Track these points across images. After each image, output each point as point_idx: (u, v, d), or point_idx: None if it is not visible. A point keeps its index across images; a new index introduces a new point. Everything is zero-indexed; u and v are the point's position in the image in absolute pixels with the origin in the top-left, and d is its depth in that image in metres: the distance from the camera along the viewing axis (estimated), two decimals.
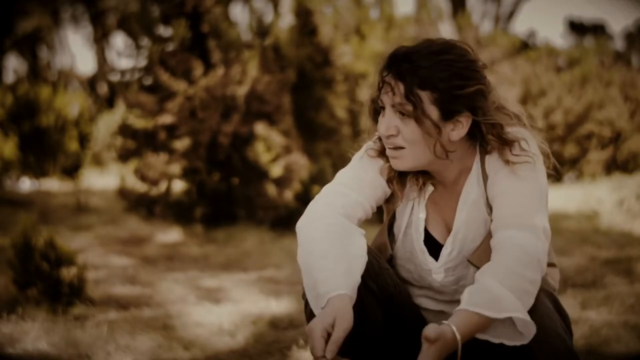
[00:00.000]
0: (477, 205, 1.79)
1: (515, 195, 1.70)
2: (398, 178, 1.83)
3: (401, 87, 1.68)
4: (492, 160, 1.76)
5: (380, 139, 1.82)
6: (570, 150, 9.93)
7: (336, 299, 1.60)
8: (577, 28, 25.67)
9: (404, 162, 1.75)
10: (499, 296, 1.57)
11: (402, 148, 1.73)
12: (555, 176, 1.85)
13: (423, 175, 1.82)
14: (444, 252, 1.83)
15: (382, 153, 1.82)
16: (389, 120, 1.72)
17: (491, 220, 1.75)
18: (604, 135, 10.02)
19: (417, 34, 10.24)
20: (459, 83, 1.67)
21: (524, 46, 13.18)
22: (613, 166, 9.96)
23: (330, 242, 1.69)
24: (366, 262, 1.72)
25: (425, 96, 1.67)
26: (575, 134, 10.03)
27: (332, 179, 1.88)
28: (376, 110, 1.80)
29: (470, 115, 1.70)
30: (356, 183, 1.82)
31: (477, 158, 1.80)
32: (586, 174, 9.81)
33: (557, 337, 1.64)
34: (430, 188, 1.84)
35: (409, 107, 1.68)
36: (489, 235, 1.77)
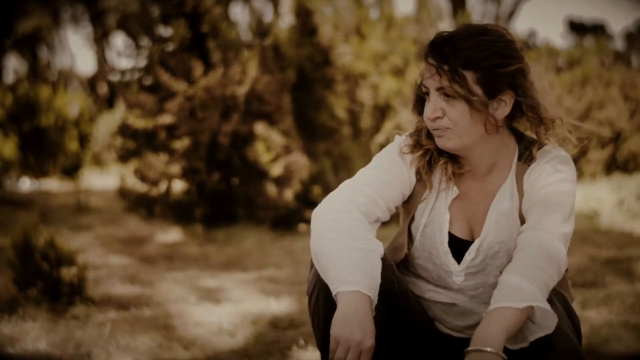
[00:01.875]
0: (509, 217, 1.81)
1: (548, 205, 1.74)
2: (427, 167, 1.85)
3: (446, 69, 1.72)
4: (530, 176, 1.80)
5: (411, 135, 1.87)
6: (570, 150, 9.92)
7: (351, 296, 1.61)
8: (577, 28, 25.69)
9: (450, 140, 1.77)
10: (518, 286, 1.60)
11: (447, 129, 1.76)
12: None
13: (453, 164, 1.84)
14: (467, 258, 1.84)
15: (415, 147, 1.85)
16: (434, 103, 1.76)
17: None
18: (604, 135, 10.02)
19: (417, 34, 10.24)
20: (500, 61, 1.72)
21: (524, 46, 13.15)
22: (613, 166, 9.96)
23: (350, 240, 1.70)
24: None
25: (469, 76, 1.71)
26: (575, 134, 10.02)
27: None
28: (420, 100, 1.83)
29: (512, 94, 1.74)
30: (376, 183, 1.83)
31: (514, 168, 1.82)
32: (586, 174, 9.81)
33: (563, 335, 1.65)
34: (455, 191, 1.84)
35: (456, 87, 1.71)
36: None
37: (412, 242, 1.90)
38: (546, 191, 1.76)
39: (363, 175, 1.85)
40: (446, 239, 1.85)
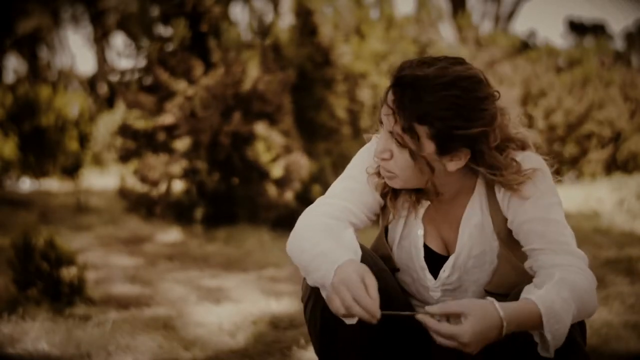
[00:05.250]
0: (482, 232, 1.75)
1: (550, 221, 1.67)
2: (392, 194, 1.80)
3: (401, 117, 1.61)
4: (505, 191, 1.70)
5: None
6: (570, 150, 9.94)
7: (347, 263, 1.55)
8: (577, 28, 25.70)
9: (396, 184, 1.72)
10: (564, 316, 1.53)
11: (393, 174, 1.69)
12: (556, 177, 1.81)
13: (417, 193, 1.78)
14: (442, 275, 1.79)
15: (380, 173, 1.78)
16: (385, 144, 1.67)
17: (518, 248, 1.71)
18: (604, 135, 10.03)
19: (417, 34, 10.24)
20: (461, 124, 1.59)
21: (524, 46, 13.18)
22: (613, 166, 9.98)
23: (321, 236, 1.67)
24: (361, 256, 1.68)
25: (423, 131, 1.60)
26: (575, 134, 10.04)
27: (332, 179, 1.87)
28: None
29: (469, 152, 1.64)
30: (346, 192, 1.79)
31: (482, 182, 1.74)
32: (586, 174, 9.82)
33: (576, 346, 1.63)
34: (426, 203, 1.79)
35: (406, 139, 1.62)
36: (504, 265, 1.74)
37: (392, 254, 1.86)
38: (544, 209, 1.68)
39: (333, 188, 1.82)
40: (421, 254, 1.80)
